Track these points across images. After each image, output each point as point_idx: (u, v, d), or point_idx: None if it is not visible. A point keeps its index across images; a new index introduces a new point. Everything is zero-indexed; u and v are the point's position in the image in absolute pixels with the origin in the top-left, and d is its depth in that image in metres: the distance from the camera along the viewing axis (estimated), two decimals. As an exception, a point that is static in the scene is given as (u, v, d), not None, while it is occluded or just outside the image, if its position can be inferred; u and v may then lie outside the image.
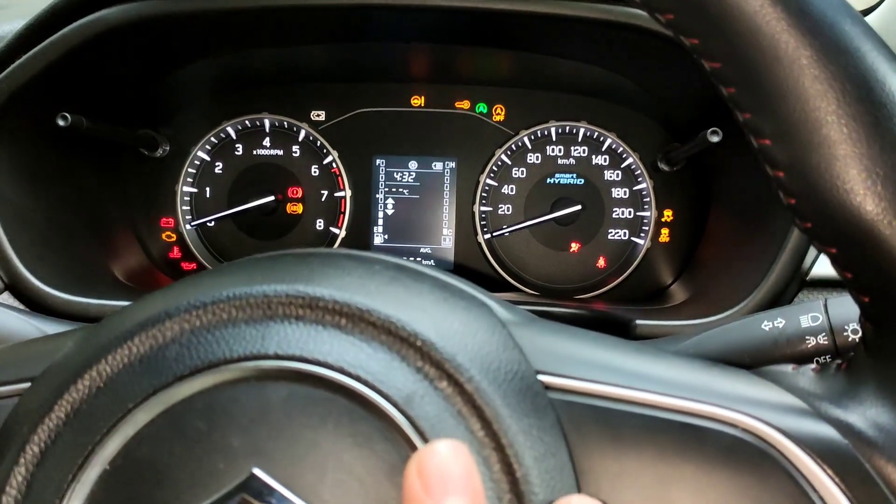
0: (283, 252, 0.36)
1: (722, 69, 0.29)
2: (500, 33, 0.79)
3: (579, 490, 0.29)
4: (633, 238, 0.92)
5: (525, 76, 0.91)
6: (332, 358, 0.29)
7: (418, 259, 0.94)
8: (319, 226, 0.95)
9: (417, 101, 0.95)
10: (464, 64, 0.90)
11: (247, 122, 0.95)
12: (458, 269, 0.94)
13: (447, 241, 0.95)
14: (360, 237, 0.95)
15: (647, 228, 0.92)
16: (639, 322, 0.69)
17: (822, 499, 0.28)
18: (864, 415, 0.29)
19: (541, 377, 0.31)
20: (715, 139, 0.74)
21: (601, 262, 0.93)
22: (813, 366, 0.33)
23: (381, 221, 0.95)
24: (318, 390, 0.28)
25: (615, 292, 0.92)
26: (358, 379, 0.29)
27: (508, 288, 0.94)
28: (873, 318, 0.30)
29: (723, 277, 0.79)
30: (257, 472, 0.27)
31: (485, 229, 0.94)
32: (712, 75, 0.30)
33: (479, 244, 0.94)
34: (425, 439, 0.28)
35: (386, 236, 0.95)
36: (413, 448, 0.28)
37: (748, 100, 0.29)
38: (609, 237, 0.92)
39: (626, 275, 0.92)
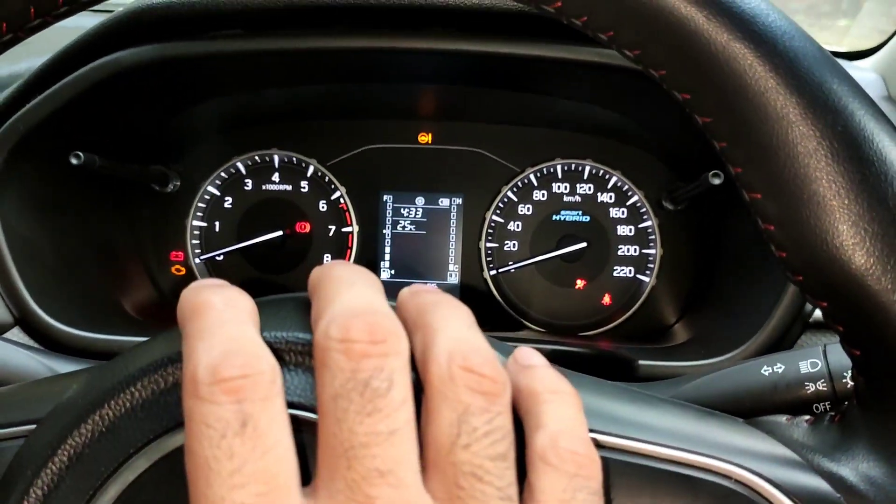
0: (285, 296, 0.37)
1: (713, 124, 0.30)
2: (505, 74, 0.80)
3: None
4: (638, 276, 0.92)
5: (531, 115, 0.92)
6: None
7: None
8: (327, 260, 0.96)
9: (425, 138, 0.96)
10: (471, 102, 0.91)
11: (256, 157, 0.97)
12: (464, 304, 0.94)
13: (453, 276, 0.95)
14: (366, 272, 0.96)
15: (652, 266, 0.92)
16: (641, 362, 0.69)
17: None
18: (857, 468, 0.29)
19: None
20: (716, 181, 0.74)
21: (606, 300, 0.93)
22: (807, 417, 0.33)
23: (387, 257, 0.96)
24: (314, 435, 0.29)
25: (620, 330, 0.92)
26: None
27: (514, 324, 0.94)
28: (865, 371, 0.30)
29: (725, 318, 0.79)
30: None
31: (491, 265, 0.94)
32: (704, 129, 0.31)
33: (486, 280, 0.94)
34: None
35: (392, 272, 0.96)
36: None
37: (739, 154, 0.30)
38: (614, 274, 0.93)
39: (630, 312, 0.92)
